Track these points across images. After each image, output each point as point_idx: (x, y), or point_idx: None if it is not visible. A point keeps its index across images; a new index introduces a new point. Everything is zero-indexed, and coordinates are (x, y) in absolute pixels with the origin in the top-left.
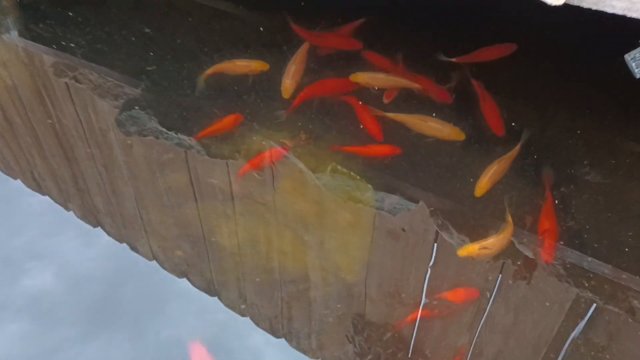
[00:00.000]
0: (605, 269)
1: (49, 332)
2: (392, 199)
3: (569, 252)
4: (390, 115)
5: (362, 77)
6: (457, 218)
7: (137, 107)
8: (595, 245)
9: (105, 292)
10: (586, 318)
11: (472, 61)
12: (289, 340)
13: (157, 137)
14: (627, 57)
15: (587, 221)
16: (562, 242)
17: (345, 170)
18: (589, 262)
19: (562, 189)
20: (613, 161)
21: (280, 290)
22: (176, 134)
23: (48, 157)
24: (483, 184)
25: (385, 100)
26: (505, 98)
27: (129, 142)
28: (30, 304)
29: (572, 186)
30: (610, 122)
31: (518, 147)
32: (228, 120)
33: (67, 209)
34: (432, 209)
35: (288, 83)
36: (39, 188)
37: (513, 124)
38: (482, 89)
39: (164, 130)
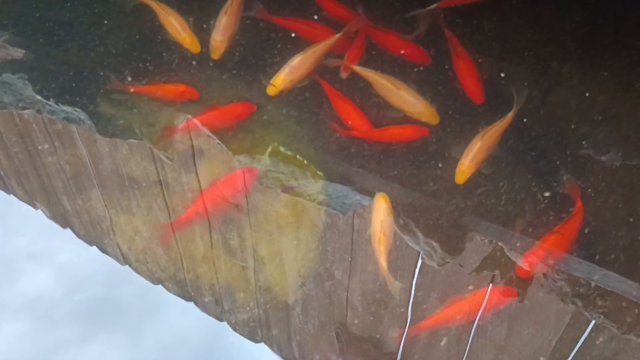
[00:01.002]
0: (625, 287)
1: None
2: (340, 191)
3: (576, 263)
4: (358, 69)
5: (281, 81)
6: (424, 217)
7: (10, 71)
8: (612, 255)
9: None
10: (585, 333)
11: (451, 4)
12: (270, 346)
13: (39, 111)
14: None
15: (601, 221)
16: (567, 251)
17: (289, 152)
18: (602, 277)
19: (568, 176)
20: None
21: (256, 296)
22: (58, 104)
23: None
24: (465, 167)
25: (344, 73)
26: (495, 52)
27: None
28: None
29: (581, 172)
30: (635, 84)
31: (511, 114)
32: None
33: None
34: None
35: (218, 40)
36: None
37: (504, 86)
38: (455, 42)
39: (42, 99)
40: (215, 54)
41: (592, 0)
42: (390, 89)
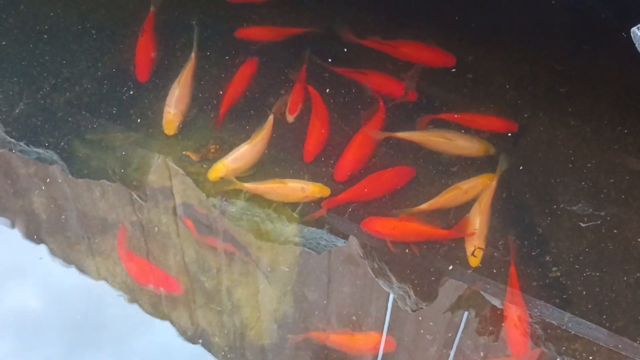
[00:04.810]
0: (597, 333)
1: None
2: (315, 233)
3: (549, 309)
4: (401, 135)
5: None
6: (398, 260)
7: None
8: (583, 302)
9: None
10: None
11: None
12: None
13: (10, 150)
14: (637, 30)
15: (573, 268)
16: (541, 297)
17: None
18: (574, 323)
19: (539, 223)
20: (610, 182)
21: (232, 316)
22: (29, 145)
23: None
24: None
25: (289, 115)
26: (468, 96)
27: None
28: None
29: (552, 220)
30: (603, 128)
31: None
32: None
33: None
34: (366, 247)
35: (172, 114)
36: None
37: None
38: (514, 273)
39: (12, 140)
40: (170, 129)
41: (561, 44)
42: (445, 142)
